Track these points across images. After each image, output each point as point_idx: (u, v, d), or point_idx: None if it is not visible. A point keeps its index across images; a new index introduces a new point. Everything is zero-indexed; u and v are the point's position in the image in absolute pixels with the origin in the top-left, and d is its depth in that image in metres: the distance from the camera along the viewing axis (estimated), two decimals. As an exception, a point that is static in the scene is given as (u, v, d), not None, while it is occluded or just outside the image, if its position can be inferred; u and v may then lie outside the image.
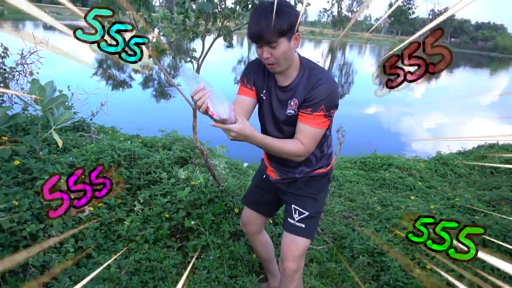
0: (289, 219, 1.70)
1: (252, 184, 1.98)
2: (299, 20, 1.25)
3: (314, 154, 1.60)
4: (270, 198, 1.86)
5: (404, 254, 2.51)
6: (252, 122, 1.37)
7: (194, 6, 2.06)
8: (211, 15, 2.06)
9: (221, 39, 2.24)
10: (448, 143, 6.97)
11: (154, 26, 2.19)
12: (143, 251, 2.22)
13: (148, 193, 2.64)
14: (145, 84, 12.46)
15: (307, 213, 1.67)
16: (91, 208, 2.34)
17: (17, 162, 2.38)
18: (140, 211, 2.51)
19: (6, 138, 2.71)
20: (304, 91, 1.42)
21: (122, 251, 2.14)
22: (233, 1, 2.05)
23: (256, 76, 1.55)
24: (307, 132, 1.42)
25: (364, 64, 30.84)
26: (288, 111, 1.48)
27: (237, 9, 2.06)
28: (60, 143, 2.59)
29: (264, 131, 1.62)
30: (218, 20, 2.10)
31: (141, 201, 2.57)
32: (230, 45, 2.17)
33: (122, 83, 12.12)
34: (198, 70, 2.21)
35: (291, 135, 1.49)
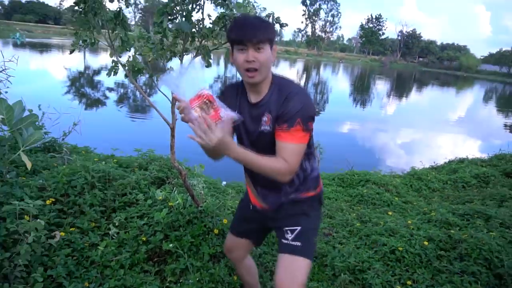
0: (282, 240, 1.58)
1: (238, 215, 1.89)
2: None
3: (297, 175, 1.53)
4: (258, 226, 1.79)
5: (385, 270, 2.51)
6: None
7: (170, 26, 2.06)
8: (189, 34, 2.06)
9: (198, 57, 2.24)
10: (420, 158, 7.19)
11: (131, 46, 2.16)
12: (118, 277, 2.12)
13: (124, 215, 2.54)
14: (119, 102, 12.26)
15: (299, 228, 1.56)
16: (63, 234, 2.22)
17: (-19, 186, 2.24)
18: (115, 235, 2.40)
19: (-30, 161, 2.56)
20: (277, 105, 1.38)
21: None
22: (211, 21, 2.07)
23: (230, 97, 1.52)
24: (288, 149, 1.35)
25: (338, 82, 31.70)
26: (263, 127, 1.43)
27: (216, 29, 2.07)
28: (29, 165, 2.47)
29: None
30: (196, 39, 2.10)
31: (116, 224, 2.47)
32: (208, 65, 2.17)
33: (95, 102, 11.88)
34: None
35: (266, 150, 1.40)
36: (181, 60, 2.10)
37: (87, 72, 20.18)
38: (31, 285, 1.83)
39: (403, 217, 3.63)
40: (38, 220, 2.06)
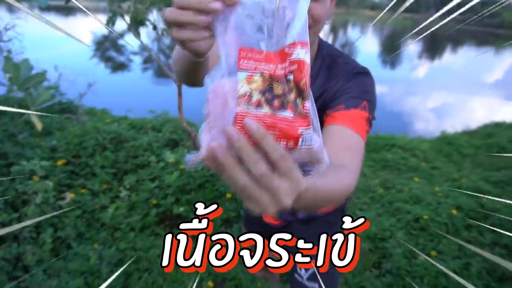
0: (295, 275, 1.21)
1: (247, 216, 1.54)
2: None
3: None
4: (263, 234, 1.48)
5: (408, 239, 2.36)
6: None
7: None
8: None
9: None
10: (452, 123, 6.78)
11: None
12: (128, 240, 2.09)
13: (135, 178, 2.48)
14: (144, 66, 12.18)
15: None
16: (73, 195, 2.19)
17: (-9, 147, 2.22)
18: (126, 197, 2.36)
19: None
20: (325, 85, 0.92)
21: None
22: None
23: None
24: (348, 139, 0.79)
25: (367, 44, 30.22)
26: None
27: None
28: (39, 125, 2.42)
29: None
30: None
31: (127, 186, 2.42)
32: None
33: (120, 66, 11.85)
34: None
35: None
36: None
37: (111, 35, 20.11)
38: (40, 246, 1.82)
39: (430, 184, 3.41)
40: (47, 181, 2.03)
